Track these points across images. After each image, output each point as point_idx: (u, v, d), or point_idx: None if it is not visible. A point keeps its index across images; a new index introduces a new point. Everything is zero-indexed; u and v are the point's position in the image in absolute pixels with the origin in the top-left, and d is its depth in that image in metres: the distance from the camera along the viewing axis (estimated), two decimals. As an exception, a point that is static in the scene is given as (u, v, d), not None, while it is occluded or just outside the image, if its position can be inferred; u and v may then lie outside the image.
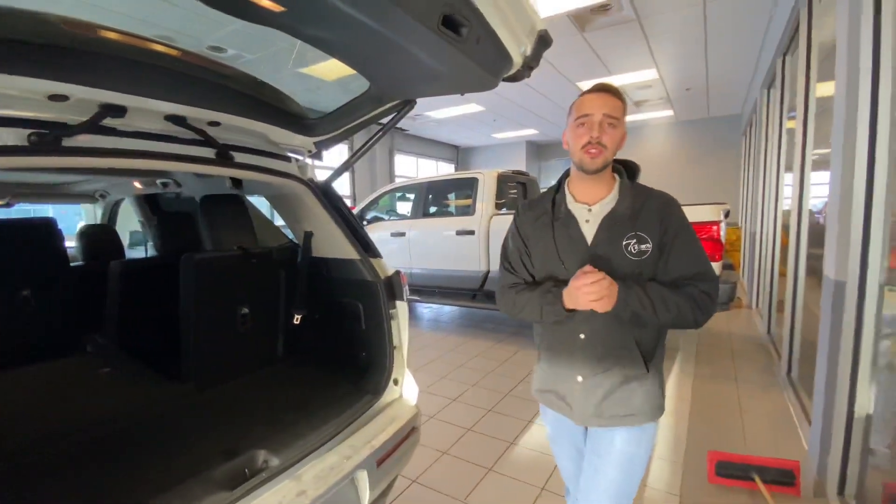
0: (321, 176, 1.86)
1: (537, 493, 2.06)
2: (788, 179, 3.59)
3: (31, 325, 1.92)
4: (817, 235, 2.61)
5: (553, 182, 1.26)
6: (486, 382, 3.44)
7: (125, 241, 2.89)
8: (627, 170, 1.20)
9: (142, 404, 1.61)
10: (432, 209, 5.18)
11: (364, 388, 1.63)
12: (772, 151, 4.52)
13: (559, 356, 1.19)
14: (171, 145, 1.34)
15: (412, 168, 10.96)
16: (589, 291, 1.00)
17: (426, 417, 2.82)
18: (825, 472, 1.95)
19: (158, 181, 2.44)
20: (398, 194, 5.92)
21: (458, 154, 12.44)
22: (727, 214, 3.62)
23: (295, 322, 1.86)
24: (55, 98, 1.07)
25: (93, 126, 1.13)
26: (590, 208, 1.14)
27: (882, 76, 1.64)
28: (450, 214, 5.12)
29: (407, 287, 1.76)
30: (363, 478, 1.33)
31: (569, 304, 1.07)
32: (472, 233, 4.35)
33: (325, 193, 1.78)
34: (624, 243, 1.08)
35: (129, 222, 3.17)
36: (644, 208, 1.11)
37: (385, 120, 1.69)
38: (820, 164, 2.79)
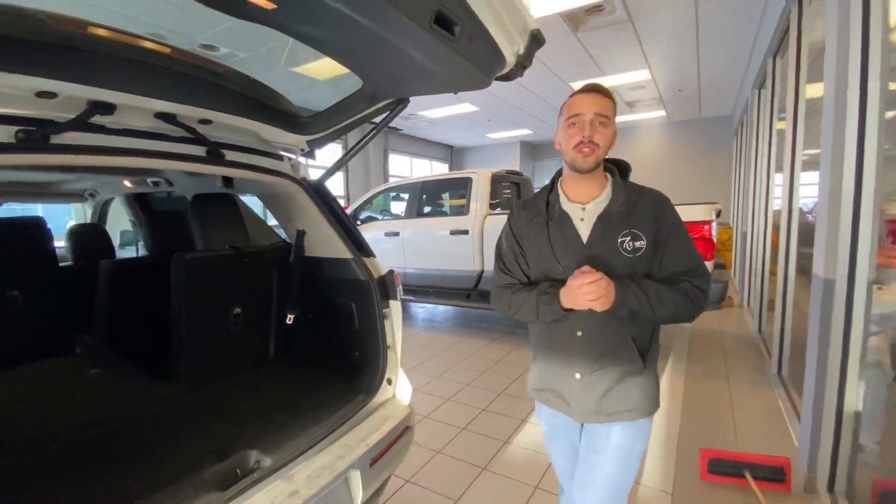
0: (315, 175, 1.85)
1: (531, 491, 2.06)
2: (779, 179, 3.63)
3: (20, 326, 1.90)
4: (807, 235, 2.63)
5: (547, 182, 1.27)
6: (480, 382, 3.44)
7: (115, 240, 2.86)
8: (619, 169, 1.21)
9: (132, 405, 1.59)
10: (426, 209, 5.17)
11: (357, 387, 1.63)
12: (762, 152, 4.57)
13: (556, 354, 1.19)
14: (161, 143, 1.32)
15: (406, 168, 10.94)
16: (587, 291, 1.00)
17: (420, 417, 2.81)
18: (815, 468, 1.97)
19: (149, 180, 2.41)
20: (392, 194, 5.91)
21: (453, 154, 12.45)
22: (718, 214, 3.66)
23: (288, 322, 1.84)
24: (43, 95, 1.06)
25: (81, 123, 1.12)
26: (584, 207, 1.15)
27: (870, 78, 1.66)
28: (444, 214, 5.11)
29: (401, 286, 1.75)
30: (356, 477, 1.32)
31: (566, 303, 1.07)
32: (466, 233, 4.35)
33: (317, 192, 1.78)
34: (619, 241, 1.09)
35: (119, 222, 3.13)
36: (637, 206, 1.12)
37: (378, 119, 1.69)
38: (810, 165, 2.82)
